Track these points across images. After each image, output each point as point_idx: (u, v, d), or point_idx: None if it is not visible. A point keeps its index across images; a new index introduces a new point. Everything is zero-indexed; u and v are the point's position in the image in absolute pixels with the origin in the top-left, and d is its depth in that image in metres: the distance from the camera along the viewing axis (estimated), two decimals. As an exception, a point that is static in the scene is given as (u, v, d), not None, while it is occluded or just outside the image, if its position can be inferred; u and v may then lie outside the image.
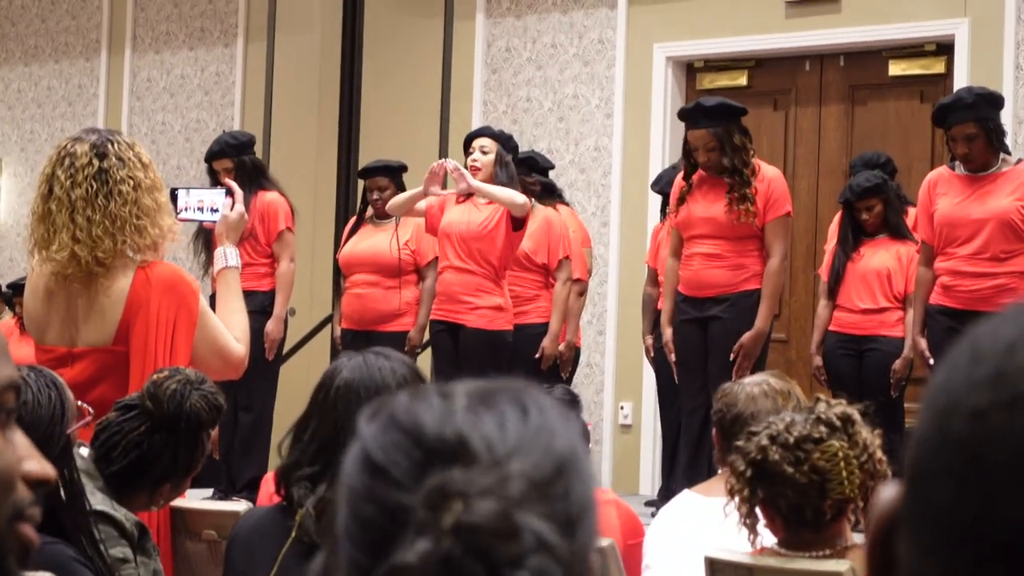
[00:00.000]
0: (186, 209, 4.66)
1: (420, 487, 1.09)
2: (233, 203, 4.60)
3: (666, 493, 7.48)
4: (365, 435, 1.16)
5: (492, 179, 7.76)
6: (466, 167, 7.79)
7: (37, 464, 1.33)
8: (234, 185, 4.72)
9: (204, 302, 4.32)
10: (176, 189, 4.69)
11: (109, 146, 4.23)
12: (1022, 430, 0.78)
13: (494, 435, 1.12)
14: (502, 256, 7.72)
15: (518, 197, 7.68)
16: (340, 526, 1.14)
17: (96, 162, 4.20)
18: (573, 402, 4.63)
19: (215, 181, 8.43)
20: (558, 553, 1.07)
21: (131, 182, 4.20)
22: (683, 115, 7.73)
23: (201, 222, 4.90)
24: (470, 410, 1.14)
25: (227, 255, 4.53)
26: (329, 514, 1.18)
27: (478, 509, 1.06)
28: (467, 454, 1.10)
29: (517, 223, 7.75)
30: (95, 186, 4.19)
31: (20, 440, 1.33)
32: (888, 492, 0.88)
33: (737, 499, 3.31)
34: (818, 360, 8.21)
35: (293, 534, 3.13)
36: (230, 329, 4.36)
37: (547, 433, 1.13)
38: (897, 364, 7.80)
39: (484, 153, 7.85)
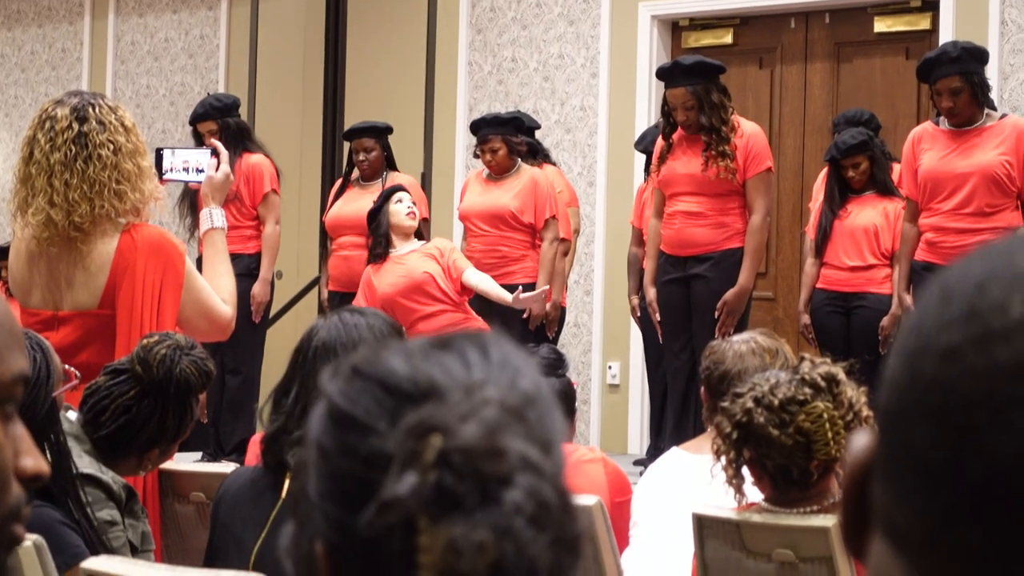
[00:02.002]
0: (171, 170, 4.65)
1: (395, 430, 1.09)
2: (219, 164, 4.59)
3: (654, 452, 7.50)
4: (330, 391, 1.16)
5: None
6: (408, 206, 7.83)
7: (33, 460, 1.33)
8: (219, 145, 4.71)
9: (190, 264, 4.32)
10: (162, 150, 4.67)
11: (90, 110, 4.22)
12: (995, 366, 0.78)
13: (460, 372, 1.13)
14: (452, 290, 7.68)
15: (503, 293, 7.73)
16: (312, 488, 1.14)
17: (76, 126, 4.19)
18: (559, 361, 4.62)
19: (200, 144, 8.42)
20: (545, 471, 1.09)
21: (111, 146, 4.18)
22: (661, 74, 7.73)
23: (187, 183, 4.89)
24: (432, 354, 1.15)
25: (213, 216, 4.52)
26: (296, 484, 1.18)
27: (462, 433, 1.07)
28: (436, 392, 1.11)
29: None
30: (74, 150, 4.17)
31: (20, 433, 1.32)
32: (860, 441, 0.88)
33: (724, 460, 3.32)
34: (806, 318, 8.22)
35: (284, 495, 3.13)
36: (217, 291, 4.35)
37: (511, 367, 1.15)
38: (885, 321, 7.80)
39: (414, 203, 7.92)
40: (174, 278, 4.22)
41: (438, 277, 7.61)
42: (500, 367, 1.14)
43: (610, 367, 10.33)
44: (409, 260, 7.71)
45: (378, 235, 7.83)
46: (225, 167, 4.59)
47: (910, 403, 0.82)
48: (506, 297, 7.59)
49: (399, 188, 8.03)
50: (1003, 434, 0.77)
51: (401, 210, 7.80)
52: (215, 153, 4.63)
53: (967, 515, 0.79)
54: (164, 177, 4.60)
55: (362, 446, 1.11)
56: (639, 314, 8.54)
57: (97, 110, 4.23)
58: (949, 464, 0.79)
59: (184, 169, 4.66)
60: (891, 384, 0.84)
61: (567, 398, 4.52)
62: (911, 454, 0.81)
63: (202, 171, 4.60)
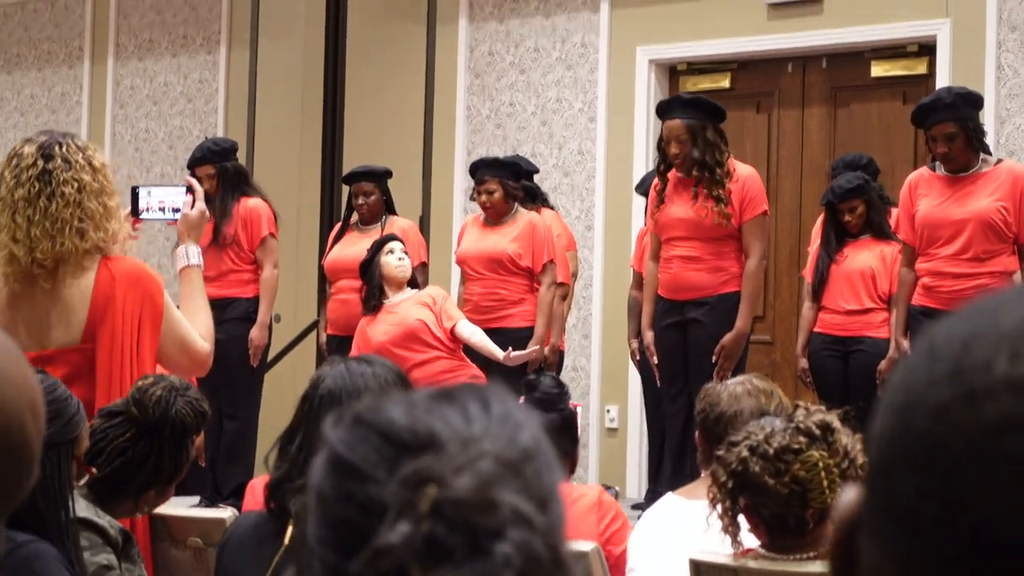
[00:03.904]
0: (147, 209, 4.67)
1: (393, 479, 1.10)
2: (194, 201, 4.60)
3: (653, 496, 7.49)
4: (332, 438, 1.17)
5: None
6: (399, 256, 7.90)
7: None
8: (195, 183, 4.71)
9: (168, 297, 4.31)
10: (137, 188, 4.69)
11: (56, 148, 4.21)
12: (982, 423, 0.79)
13: (460, 425, 1.14)
14: (446, 336, 7.71)
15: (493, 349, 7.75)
16: (311, 534, 1.15)
17: (41, 163, 4.19)
18: (560, 396, 4.65)
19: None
20: (537, 526, 1.09)
21: (75, 184, 4.17)
22: (660, 107, 7.77)
23: (164, 221, 4.90)
24: (434, 405, 1.16)
25: (189, 253, 4.51)
26: (298, 526, 1.19)
27: (455, 485, 1.08)
28: (436, 443, 1.12)
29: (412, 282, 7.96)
30: (37, 187, 4.17)
31: None
32: (849, 494, 0.89)
33: (720, 508, 3.32)
34: (803, 362, 8.22)
35: (287, 541, 3.13)
36: (195, 327, 4.34)
37: (512, 422, 1.16)
38: (883, 365, 7.79)
39: (406, 253, 8.02)
40: (153, 309, 4.20)
41: (431, 324, 7.63)
42: (500, 421, 1.15)
43: (608, 411, 10.32)
44: (402, 308, 7.74)
45: (371, 287, 7.86)
46: (200, 204, 4.59)
47: (899, 458, 0.83)
48: (496, 353, 7.61)
49: (390, 238, 8.06)
50: (992, 488, 0.78)
51: (392, 261, 7.84)
52: (191, 191, 4.63)
53: (956, 569, 0.79)
54: (140, 216, 4.61)
55: (360, 493, 1.12)
56: (638, 358, 8.54)
57: (64, 148, 4.22)
58: (938, 518, 0.80)
59: (160, 208, 4.68)
60: (879, 439, 0.85)
61: (568, 430, 4.54)
62: (900, 508, 0.82)
63: (178, 210, 4.61)
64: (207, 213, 4.66)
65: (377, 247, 7.99)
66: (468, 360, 7.77)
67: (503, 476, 1.10)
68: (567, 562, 1.11)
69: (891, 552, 0.83)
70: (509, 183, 8.49)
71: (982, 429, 0.79)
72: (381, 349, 7.44)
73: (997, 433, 0.79)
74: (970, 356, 0.82)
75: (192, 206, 4.58)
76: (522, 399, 4.56)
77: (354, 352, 7.59)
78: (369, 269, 7.91)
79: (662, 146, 7.61)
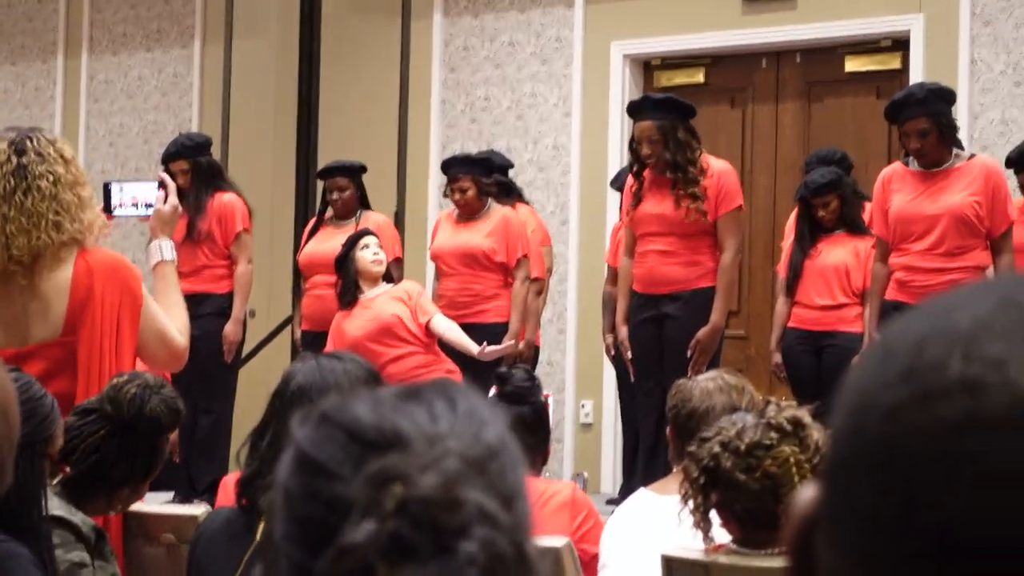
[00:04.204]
0: (120, 205, 4.66)
1: (359, 477, 1.10)
2: (166, 196, 4.59)
3: (627, 491, 7.49)
4: (298, 437, 1.17)
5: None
6: (374, 252, 7.91)
7: None
8: (167, 178, 4.70)
9: (146, 289, 4.30)
10: (109, 184, 4.68)
11: (28, 142, 4.21)
12: (936, 424, 0.80)
13: (426, 423, 1.14)
14: (419, 332, 7.72)
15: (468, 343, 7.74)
16: (278, 531, 1.15)
17: (15, 159, 4.18)
18: (531, 389, 4.65)
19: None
20: (501, 524, 1.10)
21: (50, 177, 4.17)
22: (631, 108, 7.78)
23: (137, 217, 4.90)
24: (400, 404, 1.16)
25: (162, 249, 4.51)
26: (269, 523, 1.20)
27: (420, 483, 1.08)
28: (401, 441, 1.12)
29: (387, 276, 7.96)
30: (13, 182, 4.16)
31: None
32: (804, 494, 0.90)
33: (691, 503, 3.33)
34: (777, 357, 8.23)
35: (258, 538, 3.13)
36: (171, 322, 4.34)
37: (477, 420, 1.16)
38: (856, 360, 7.80)
39: (381, 248, 8.00)
40: (132, 300, 4.19)
41: (406, 319, 7.63)
42: (466, 419, 1.15)
43: (583, 406, 10.33)
44: (377, 303, 7.73)
45: (346, 282, 7.85)
46: (173, 199, 4.59)
47: (855, 459, 0.83)
48: (471, 348, 7.60)
49: (365, 233, 8.05)
50: (954, 488, 0.78)
51: (367, 256, 7.83)
52: (163, 186, 4.63)
53: (918, 564, 0.79)
54: (113, 212, 4.59)
55: (325, 491, 1.12)
56: (613, 353, 8.54)
57: (35, 142, 4.21)
58: (898, 515, 0.80)
59: (133, 204, 4.67)
60: (835, 440, 0.85)
61: (539, 423, 4.54)
62: (859, 506, 0.82)
63: (151, 205, 4.61)
64: (179, 208, 4.65)
65: (352, 242, 7.98)
66: (443, 355, 7.77)
67: (468, 474, 1.10)
68: (532, 559, 1.12)
69: (848, 551, 0.83)
70: (482, 180, 8.50)
71: (940, 429, 0.79)
72: (356, 344, 7.44)
73: (956, 432, 0.79)
74: (923, 356, 0.82)
75: (164, 201, 4.58)
76: (494, 390, 4.58)
77: (329, 347, 7.59)
78: (344, 264, 7.90)
79: (634, 147, 7.63)
